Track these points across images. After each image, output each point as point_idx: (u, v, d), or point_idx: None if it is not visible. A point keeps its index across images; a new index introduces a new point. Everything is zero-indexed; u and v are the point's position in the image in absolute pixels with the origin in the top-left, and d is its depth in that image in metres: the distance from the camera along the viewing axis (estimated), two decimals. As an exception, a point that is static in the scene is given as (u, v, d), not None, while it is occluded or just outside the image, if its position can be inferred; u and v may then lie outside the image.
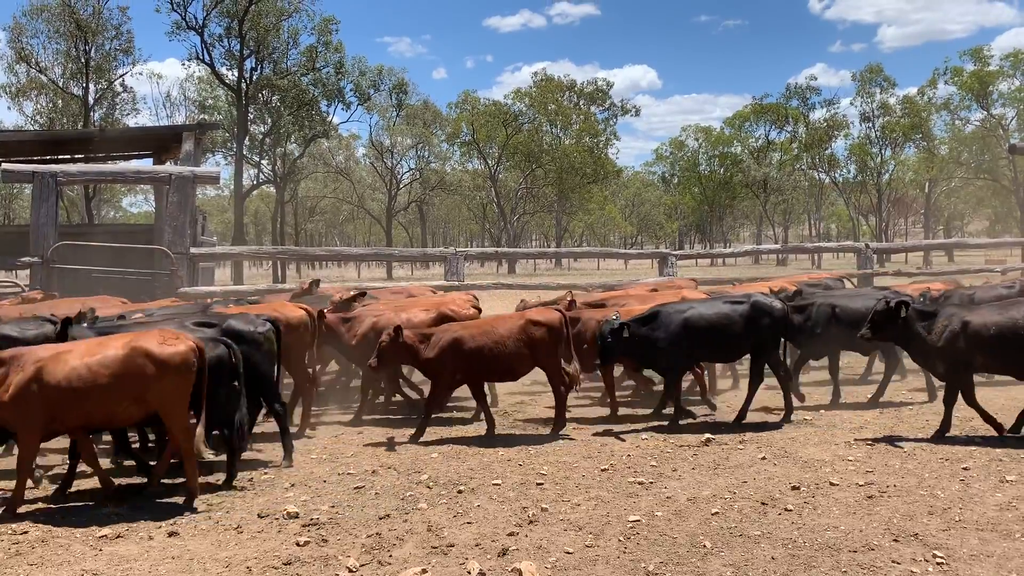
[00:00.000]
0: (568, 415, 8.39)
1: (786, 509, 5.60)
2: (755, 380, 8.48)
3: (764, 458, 6.91)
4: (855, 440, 7.47)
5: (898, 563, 4.66)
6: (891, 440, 7.45)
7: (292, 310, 8.46)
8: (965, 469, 6.45)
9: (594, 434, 7.99)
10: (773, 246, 34.73)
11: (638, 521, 5.42)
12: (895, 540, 5.00)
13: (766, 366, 8.54)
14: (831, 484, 6.13)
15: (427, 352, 8.06)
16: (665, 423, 8.33)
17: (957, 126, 57.40)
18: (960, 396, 7.60)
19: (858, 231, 73.26)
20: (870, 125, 65.84)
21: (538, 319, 8.18)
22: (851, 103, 65.97)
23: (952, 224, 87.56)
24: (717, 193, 78.15)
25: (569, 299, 10.18)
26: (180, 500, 6.12)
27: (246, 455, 7.43)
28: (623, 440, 7.70)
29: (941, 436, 7.49)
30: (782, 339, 8.64)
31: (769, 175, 71.55)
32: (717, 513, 5.54)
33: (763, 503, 5.73)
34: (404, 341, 7.99)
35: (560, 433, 8.01)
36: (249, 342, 7.03)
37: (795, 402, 8.75)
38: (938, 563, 4.65)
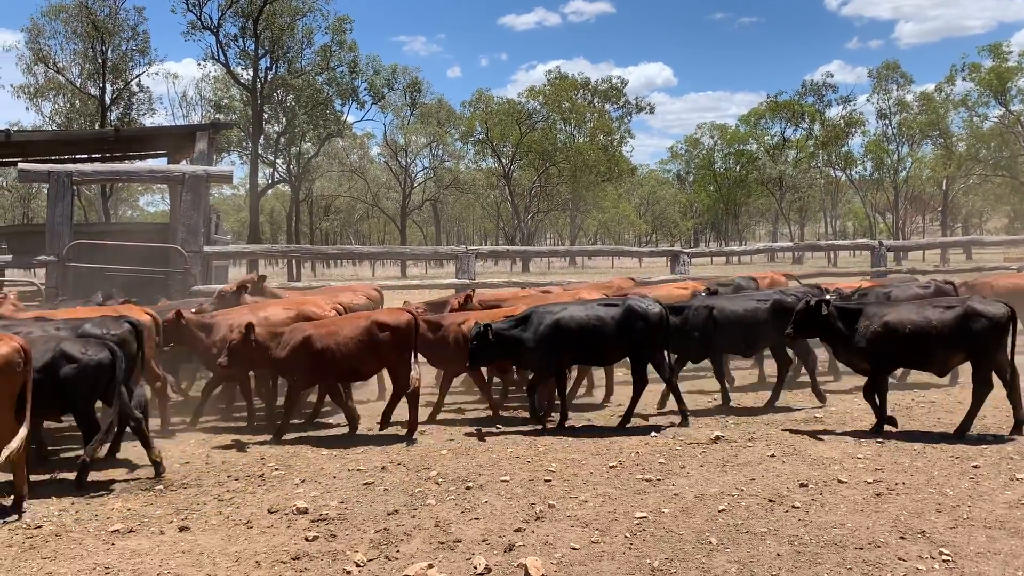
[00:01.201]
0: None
1: (793, 506, 5.60)
2: (638, 384, 8.34)
3: (773, 456, 6.91)
4: (865, 438, 7.45)
5: (904, 560, 4.66)
6: (901, 438, 7.42)
7: (138, 314, 8.43)
8: (975, 467, 6.43)
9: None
10: (787, 244, 34.61)
11: (645, 518, 5.43)
12: (902, 537, 4.99)
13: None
14: (839, 481, 6.12)
15: (278, 352, 8.02)
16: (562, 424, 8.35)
17: (975, 123, 56.90)
18: (872, 387, 7.83)
19: (874, 229, 72.78)
20: (887, 122, 65.43)
21: (385, 321, 8.11)
22: (868, 100, 65.67)
23: (970, 222, 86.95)
24: (732, 191, 77.85)
25: (462, 299, 10.05)
26: (192, 494, 6.19)
27: (261, 451, 7.51)
28: (632, 438, 7.71)
29: (879, 430, 7.65)
30: (661, 342, 8.39)
31: (785, 173, 71.19)
32: (724, 510, 5.54)
33: (770, 500, 5.73)
34: (255, 340, 7.92)
35: (568, 428, 8.03)
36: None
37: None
38: (944, 560, 4.64)
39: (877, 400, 7.75)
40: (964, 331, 7.41)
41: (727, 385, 9.31)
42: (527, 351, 8.15)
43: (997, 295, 12.55)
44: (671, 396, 8.55)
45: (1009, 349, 7.52)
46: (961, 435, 7.45)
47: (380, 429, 8.19)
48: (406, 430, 8.01)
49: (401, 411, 8.17)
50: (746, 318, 8.95)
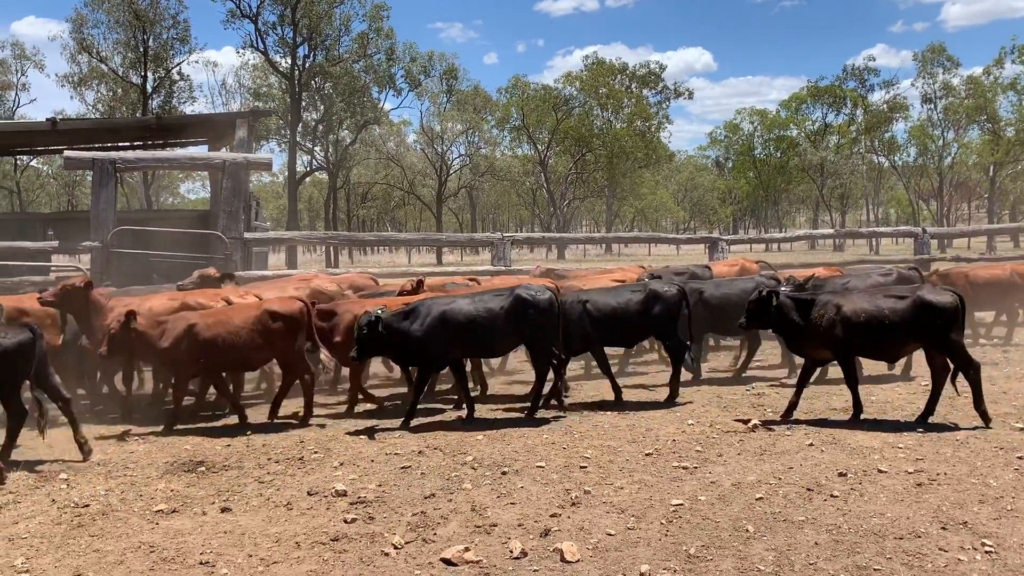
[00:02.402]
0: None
1: (832, 495, 5.54)
2: (541, 375, 8.29)
3: (811, 444, 6.84)
4: (906, 427, 7.34)
5: (945, 551, 4.59)
6: (943, 427, 7.31)
7: (31, 303, 8.46)
8: (1020, 458, 6.30)
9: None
10: (827, 231, 34.12)
11: (681, 505, 5.42)
12: (943, 528, 4.92)
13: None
14: (879, 471, 6.05)
15: (161, 342, 7.85)
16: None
17: (1024, 107, 55.47)
18: (803, 378, 7.98)
19: (918, 216, 71.41)
20: (932, 107, 64.01)
21: (276, 309, 8.00)
22: (912, 84, 64.20)
23: (1018, 208, 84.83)
24: (772, 177, 76.81)
25: (413, 283, 9.90)
26: (234, 475, 6.31)
27: (301, 434, 7.63)
28: (669, 426, 7.69)
29: (857, 418, 7.65)
30: (555, 329, 8.22)
31: (826, 159, 70.05)
32: (761, 498, 5.51)
33: (808, 489, 5.68)
34: (136, 329, 7.76)
35: (603, 418, 8.03)
36: None
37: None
38: (987, 551, 4.57)
39: (802, 387, 7.87)
40: (914, 320, 7.41)
41: (613, 381, 9.00)
42: (414, 344, 7.92)
43: (973, 286, 12.34)
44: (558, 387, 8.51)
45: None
46: (923, 420, 7.50)
47: (268, 419, 8.15)
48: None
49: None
50: (619, 310, 8.83)
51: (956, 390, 7.67)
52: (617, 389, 8.84)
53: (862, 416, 7.68)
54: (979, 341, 12.55)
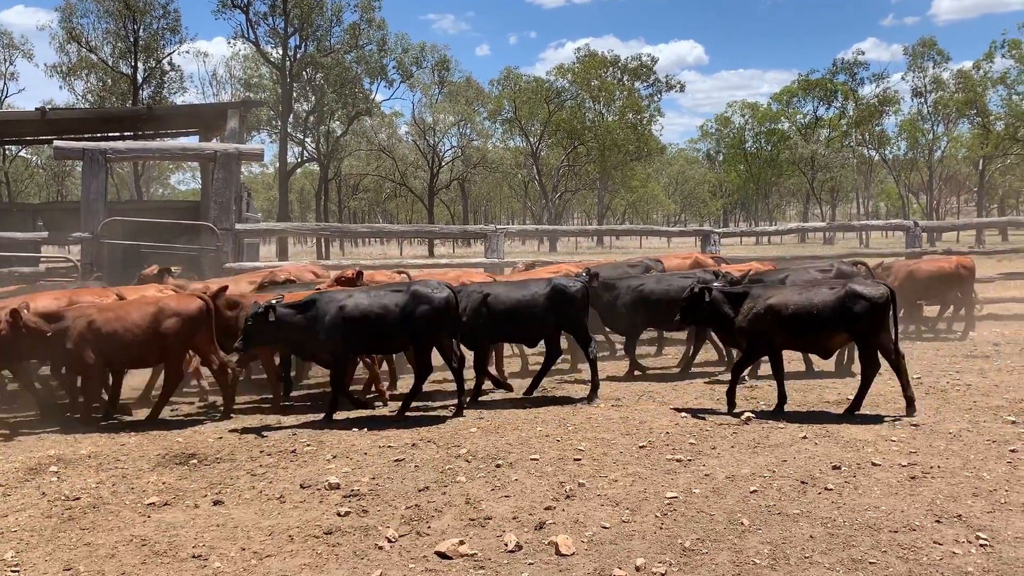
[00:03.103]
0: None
1: (826, 488, 5.54)
2: (423, 371, 8.09)
3: (805, 437, 6.84)
4: (899, 420, 7.36)
5: (940, 544, 4.60)
6: (936, 421, 7.33)
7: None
8: (1013, 451, 6.32)
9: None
10: (819, 224, 34.20)
11: (675, 498, 5.41)
12: (937, 521, 4.93)
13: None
14: (873, 464, 6.05)
15: (52, 341, 7.58)
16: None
17: (1014, 101, 55.60)
18: (741, 368, 8.12)
19: (908, 209, 71.69)
20: (922, 101, 64.21)
21: (174, 306, 7.83)
22: (902, 78, 64.45)
23: (1007, 202, 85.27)
24: (763, 170, 77.02)
25: (352, 273, 9.62)
26: (226, 468, 6.27)
27: (293, 427, 7.59)
28: (662, 418, 7.68)
29: (780, 409, 7.74)
30: (449, 327, 8.09)
31: (817, 152, 70.20)
32: (755, 491, 5.50)
33: (803, 482, 5.68)
34: (28, 326, 7.43)
35: (597, 411, 8.02)
36: None
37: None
38: (981, 545, 4.58)
39: (778, 380, 7.92)
40: (844, 312, 7.46)
41: (502, 378, 9.00)
42: (308, 338, 7.77)
43: (918, 279, 12.41)
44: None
45: (892, 331, 7.65)
46: (851, 413, 7.57)
47: (150, 417, 7.96)
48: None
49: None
50: (522, 305, 8.60)
51: (908, 382, 7.70)
52: (501, 384, 8.80)
53: (785, 407, 7.80)
54: (934, 335, 12.62)
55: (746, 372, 8.88)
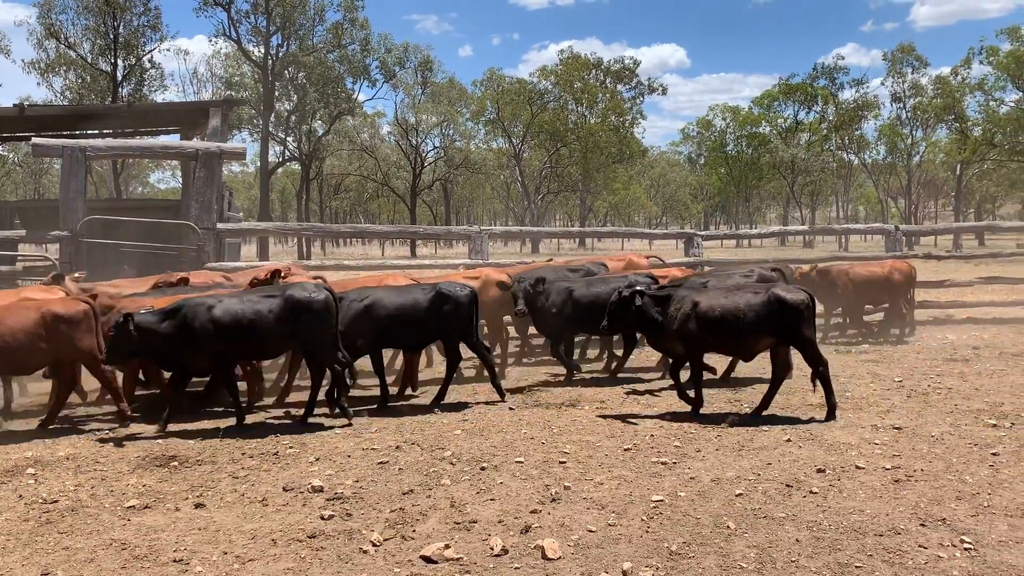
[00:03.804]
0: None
1: (811, 492, 5.55)
2: (317, 378, 7.96)
3: (789, 440, 6.86)
4: (881, 424, 7.39)
5: (925, 548, 4.61)
6: (918, 424, 7.36)
7: None
8: (994, 455, 6.36)
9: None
10: (801, 227, 34.40)
11: (661, 501, 5.40)
12: (922, 525, 4.94)
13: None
14: (857, 467, 6.07)
15: None
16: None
17: (991, 107, 56.19)
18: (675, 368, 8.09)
19: (887, 213, 72.38)
20: (901, 106, 64.82)
21: (58, 311, 7.47)
22: (882, 83, 64.92)
23: (983, 207, 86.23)
24: (744, 174, 77.44)
25: (266, 274, 9.39)
26: (207, 470, 6.19)
27: (275, 429, 7.51)
28: (648, 420, 7.68)
29: (696, 412, 7.81)
30: (326, 332, 7.82)
31: (797, 156, 70.69)
32: (741, 494, 5.50)
33: (788, 485, 5.69)
34: None
35: (581, 413, 8.00)
36: None
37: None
38: (965, 548, 4.59)
39: (695, 383, 7.94)
40: (767, 316, 7.55)
41: (384, 384, 8.63)
42: (175, 346, 7.45)
43: (854, 283, 12.48)
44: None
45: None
46: (759, 413, 7.69)
47: (43, 427, 7.71)
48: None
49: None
50: (404, 310, 8.39)
51: (813, 387, 7.90)
52: (384, 390, 8.57)
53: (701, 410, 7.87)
54: (867, 338, 12.74)
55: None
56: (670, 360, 8.44)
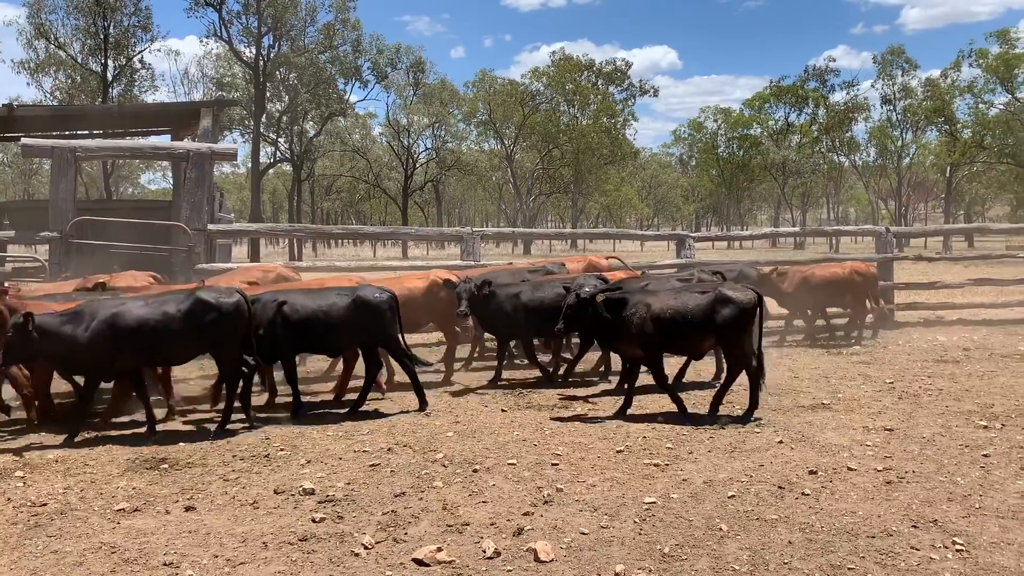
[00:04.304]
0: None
1: (803, 493, 5.55)
2: (230, 385, 7.66)
3: (781, 442, 6.86)
4: (873, 425, 7.41)
5: (917, 549, 4.62)
6: (909, 425, 7.38)
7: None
8: (985, 456, 6.38)
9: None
10: (792, 229, 34.48)
11: (654, 503, 5.39)
12: (914, 526, 4.95)
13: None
14: (849, 469, 6.08)
15: None
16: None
17: (981, 109, 56.56)
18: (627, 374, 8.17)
19: (877, 215, 72.69)
20: (891, 108, 65.14)
21: None
22: (872, 86, 65.35)
23: (973, 209, 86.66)
24: (735, 175, 77.67)
25: (90, 283, 9.02)
26: (198, 473, 6.16)
27: (267, 431, 7.47)
28: (639, 422, 7.67)
29: (623, 413, 7.87)
30: (240, 336, 7.62)
31: (788, 158, 70.93)
32: (734, 496, 5.50)
33: (780, 487, 5.69)
34: None
35: (575, 414, 7.99)
36: None
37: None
38: (958, 550, 4.60)
39: (663, 383, 7.99)
40: (714, 316, 7.61)
41: (297, 392, 8.38)
42: (77, 350, 7.10)
43: (812, 285, 12.52)
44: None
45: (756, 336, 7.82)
46: (712, 414, 7.75)
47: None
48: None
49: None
50: (320, 315, 8.10)
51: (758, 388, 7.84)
52: (272, 392, 8.51)
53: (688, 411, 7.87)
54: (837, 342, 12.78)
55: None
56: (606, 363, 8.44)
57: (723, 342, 7.77)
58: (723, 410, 7.95)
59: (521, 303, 9.56)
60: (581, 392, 9.15)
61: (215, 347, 7.55)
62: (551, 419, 7.83)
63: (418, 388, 8.44)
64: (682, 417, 7.68)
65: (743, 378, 7.84)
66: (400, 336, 8.45)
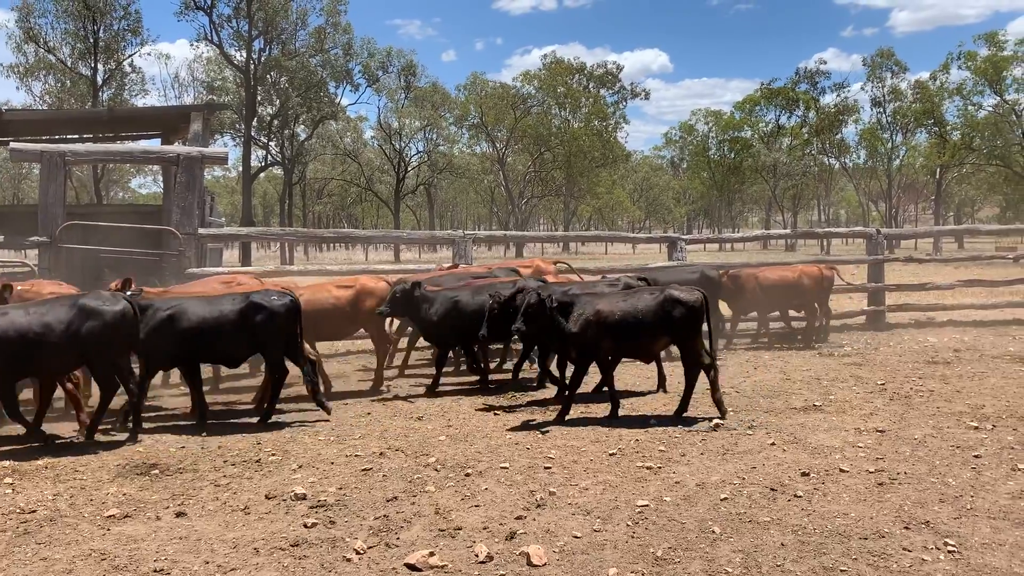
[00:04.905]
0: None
1: (796, 495, 5.56)
2: (105, 393, 7.41)
3: (773, 444, 6.87)
4: (865, 426, 7.42)
5: (909, 551, 4.62)
6: (901, 427, 7.40)
7: None
8: (976, 457, 6.40)
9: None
10: (783, 231, 34.56)
11: (647, 506, 5.39)
12: (906, 527, 4.96)
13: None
14: (841, 471, 6.09)
15: None
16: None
17: (970, 111, 56.86)
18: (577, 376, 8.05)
19: (867, 217, 72.94)
20: (881, 110, 65.41)
21: None
22: (862, 88, 65.71)
23: (962, 211, 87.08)
24: (726, 178, 77.87)
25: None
26: (189, 479, 6.12)
27: (258, 436, 7.44)
28: (632, 425, 7.67)
29: (614, 415, 7.86)
30: (124, 345, 7.42)
31: (779, 160, 71.15)
32: (726, 499, 5.50)
33: (772, 489, 5.69)
34: None
35: (567, 418, 7.98)
36: None
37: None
38: (949, 551, 4.61)
39: (571, 386, 7.97)
40: (664, 317, 7.71)
41: (201, 399, 8.13)
42: None
43: (763, 287, 12.52)
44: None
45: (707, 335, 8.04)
46: (679, 416, 7.82)
47: None
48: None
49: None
50: (209, 322, 7.84)
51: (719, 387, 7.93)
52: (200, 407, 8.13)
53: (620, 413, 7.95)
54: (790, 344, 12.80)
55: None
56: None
57: (677, 342, 7.86)
58: (711, 412, 7.96)
59: (450, 307, 9.36)
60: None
61: (95, 355, 7.22)
62: (543, 421, 7.82)
63: (317, 398, 8.16)
64: (614, 420, 7.77)
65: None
66: (299, 342, 8.11)
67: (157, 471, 6.37)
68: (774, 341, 12.91)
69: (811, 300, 12.86)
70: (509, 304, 8.05)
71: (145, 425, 7.71)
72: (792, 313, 13.37)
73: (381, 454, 6.77)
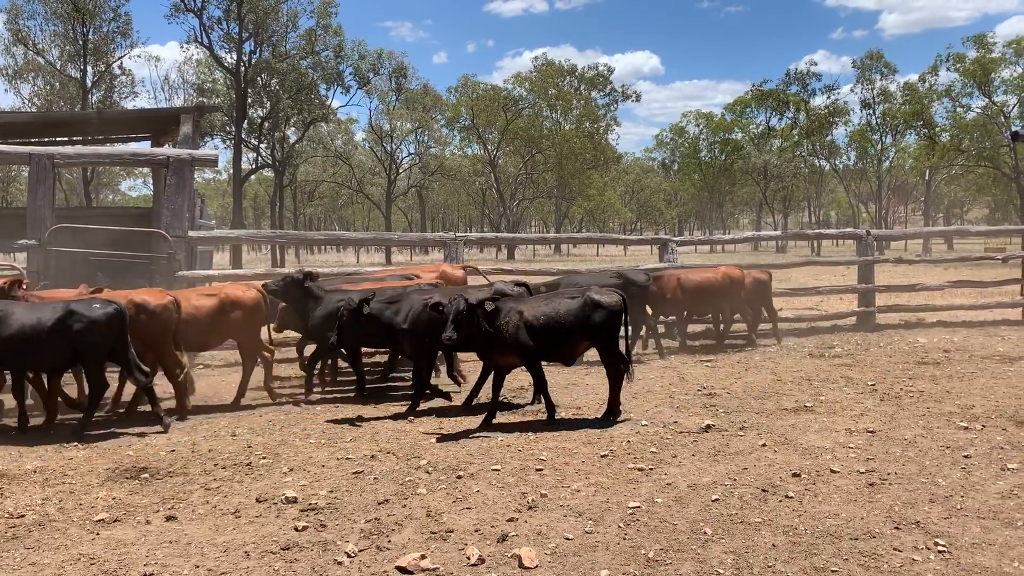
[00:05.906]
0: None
1: (787, 496, 5.57)
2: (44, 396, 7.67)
3: (764, 445, 6.88)
4: (855, 427, 7.44)
5: (899, 551, 4.64)
6: (891, 427, 7.42)
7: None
8: (966, 457, 6.43)
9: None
10: (774, 232, 34.66)
11: (638, 507, 5.39)
12: (896, 528, 4.97)
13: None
14: (831, 471, 6.10)
15: None
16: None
17: (958, 113, 57.07)
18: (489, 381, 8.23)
19: (858, 218, 73.24)
20: (871, 112, 65.69)
21: None
22: (851, 90, 65.95)
23: (952, 212, 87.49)
24: (717, 179, 78.07)
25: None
26: (179, 482, 6.10)
27: (248, 439, 7.41)
28: (623, 427, 7.67)
29: (551, 419, 7.85)
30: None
31: (769, 162, 71.36)
32: (717, 500, 5.51)
33: (764, 490, 5.70)
34: None
35: (558, 419, 7.98)
36: None
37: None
38: (940, 551, 4.62)
39: (544, 391, 8.00)
40: (585, 320, 7.79)
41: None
42: None
43: (685, 289, 12.51)
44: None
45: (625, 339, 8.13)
46: (609, 417, 7.91)
47: None
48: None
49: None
50: (27, 329, 7.51)
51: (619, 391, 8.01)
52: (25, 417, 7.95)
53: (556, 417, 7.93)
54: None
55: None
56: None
57: (599, 344, 7.92)
58: (704, 414, 7.96)
59: (332, 312, 9.09)
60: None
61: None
62: (535, 424, 7.82)
63: (154, 405, 8.00)
64: (551, 423, 7.77)
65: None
66: (128, 350, 7.85)
67: (147, 475, 6.34)
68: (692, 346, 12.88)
69: (741, 302, 12.85)
70: (359, 312, 8.35)
71: (124, 429, 7.68)
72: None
73: (372, 456, 6.75)
